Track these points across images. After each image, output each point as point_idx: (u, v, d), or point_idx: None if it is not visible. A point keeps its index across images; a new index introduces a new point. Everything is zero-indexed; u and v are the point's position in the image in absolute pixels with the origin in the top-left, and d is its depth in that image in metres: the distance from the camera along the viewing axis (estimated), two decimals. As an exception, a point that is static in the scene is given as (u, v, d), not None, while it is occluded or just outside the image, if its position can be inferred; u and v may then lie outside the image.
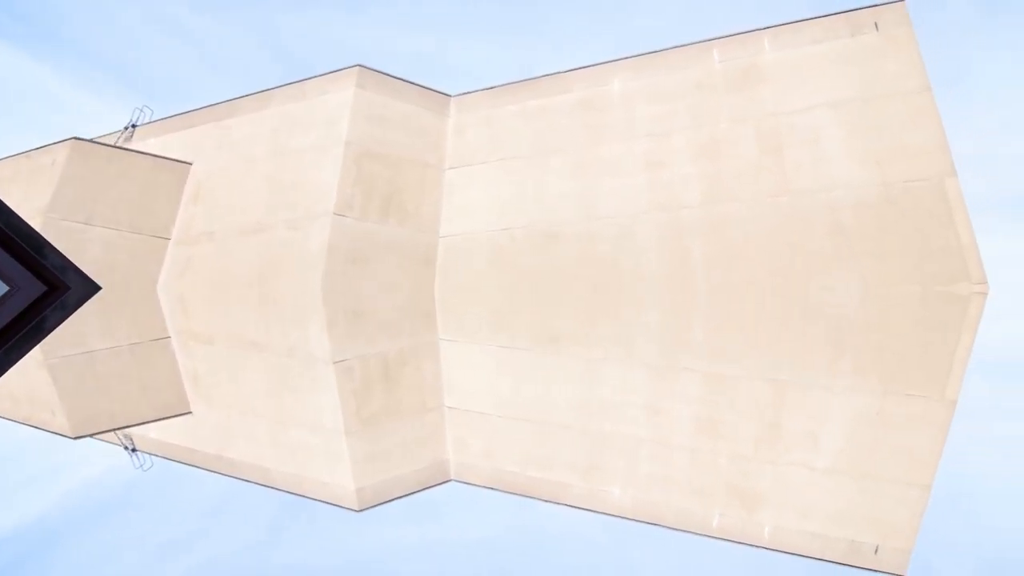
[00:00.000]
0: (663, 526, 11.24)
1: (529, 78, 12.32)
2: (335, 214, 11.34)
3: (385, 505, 12.07)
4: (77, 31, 33.10)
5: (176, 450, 13.31)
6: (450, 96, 13.00)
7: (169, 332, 12.45)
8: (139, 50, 34.18)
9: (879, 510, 9.88)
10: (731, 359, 10.52)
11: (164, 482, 28.12)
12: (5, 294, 6.96)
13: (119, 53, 34.28)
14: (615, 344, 11.22)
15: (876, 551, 9.92)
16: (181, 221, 13.04)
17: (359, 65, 12.11)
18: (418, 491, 12.29)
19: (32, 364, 11.36)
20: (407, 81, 12.55)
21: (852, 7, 10.00)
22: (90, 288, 7.57)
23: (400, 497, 12.17)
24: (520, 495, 12.12)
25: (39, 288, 7.26)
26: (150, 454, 13.40)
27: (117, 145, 13.59)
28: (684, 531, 11.11)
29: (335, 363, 11.28)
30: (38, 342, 7.28)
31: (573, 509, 11.84)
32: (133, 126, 14.34)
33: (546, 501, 11.95)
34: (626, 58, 11.58)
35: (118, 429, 12.17)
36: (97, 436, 12.46)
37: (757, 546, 10.62)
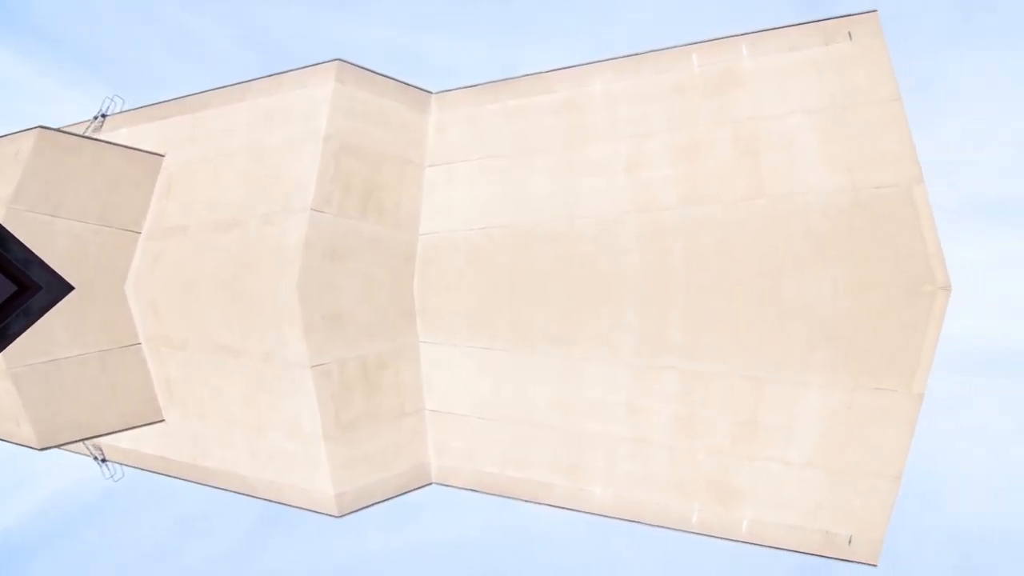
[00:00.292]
0: (644, 523, 11.44)
1: (511, 77, 12.31)
2: (313, 210, 11.11)
3: (366, 510, 11.94)
4: (44, 15, 31.26)
5: (149, 460, 12.84)
6: (431, 93, 12.87)
7: (140, 338, 12.00)
8: (110, 37, 32.53)
9: (852, 502, 10.29)
10: (709, 357, 10.77)
11: (138, 493, 27.07)
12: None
13: (89, 39, 32.50)
14: (595, 343, 11.34)
15: (850, 542, 10.32)
16: (152, 215, 12.58)
17: (339, 59, 11.88)
18: (399, 495, 12.19)
19: (-6, 372, 10.81)
20: (388, 77, 12.37)
21: (827, 16, 10.33)
22: (61, 288, 7.22)
23: (381, 502, 12.04)
24: (502, 496, 12.15)
25: (8, 288, 6.90)
26: (122, 464, 12.90)
27: (86, 135, 13.04)
28: (665, 528, 11.33)
29: (313, 367, 11.08)
30: (8, 344, 6.93)
31: (555, 509, 11.94)
32: (103, 116, 13.79)
33: (528, 502, 12.01)
34: (607, 60, 11.69)
35: (87, 439, 11.67)
36: (65, 447, 11.93)
37: (736, 540, 10.91)
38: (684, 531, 11.25)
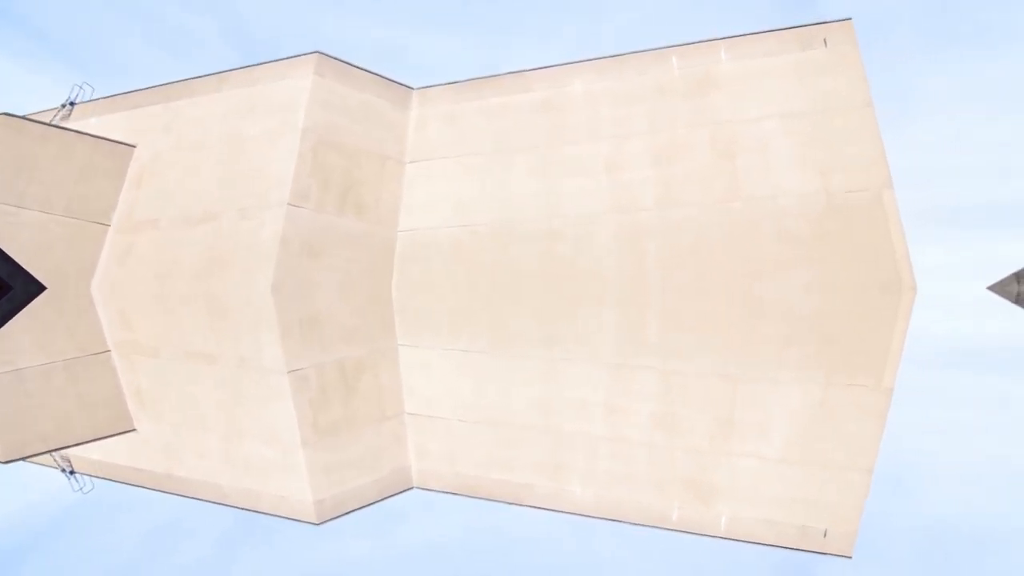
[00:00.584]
0: (625, 522, 11.57)
1: (493, 75, 12.25)
2: (290, 204, 10.86)
3: (346, 517, 11.77)
4: (9, -3, 29.54)
5: (121, 471, 12.34)
6: (412, 89, 12.72)
7: (109, 345, 11.54)
8: (80, 22, 30.94)
9: (826, 495, 10.60)
10: (685, 357, 10.93)
11: (108, 505, 25.96)
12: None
13: (57, 24, 30.95)
14: (573, 343, 11.39)
15: (825, 535, 10.64)
16: (122, 207, 12.10)
17: (318, 52, 11.64)
18: (380, 500, 12.04)
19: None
20: (368, 71, 12.17)
21: (804, 23, 10.58)
22: (33, 288, 6.83)
23: (361, 508, 11.88)
24: (483, 499, 12.13)
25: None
26: (92, 476, 12.39)
27: (53, 123, 12.53)
28: (645, 526, 11.48)
29: (289, 372, 10.84)
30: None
31: (537, 510, 11.97)
32: (71, 104, 13.28)
33: (510, 503, 12.02)
34: (588, 60, 11.74)
35: (54, 451, 11.17)
36: (31, 459, 11.39)
37: (715, 536, 11.13)
38: (665, 529, 11.42)
